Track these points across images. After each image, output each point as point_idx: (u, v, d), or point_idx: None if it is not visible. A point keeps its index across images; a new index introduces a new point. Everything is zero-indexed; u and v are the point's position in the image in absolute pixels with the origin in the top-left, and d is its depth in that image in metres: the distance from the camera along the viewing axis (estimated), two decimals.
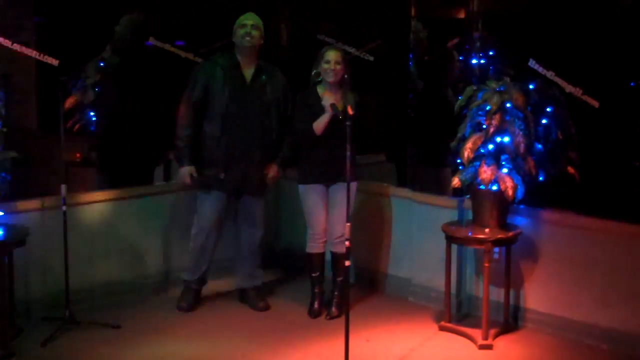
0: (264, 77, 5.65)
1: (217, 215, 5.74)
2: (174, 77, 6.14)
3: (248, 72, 5.63)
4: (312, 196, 5.65)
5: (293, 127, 5.64)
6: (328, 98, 5.48)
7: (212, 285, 6.06)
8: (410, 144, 6.11)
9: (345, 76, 5.54)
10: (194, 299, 5.84)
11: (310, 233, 5.71)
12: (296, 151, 5.72)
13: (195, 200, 5.83)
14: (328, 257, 5.79)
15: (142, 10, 6.27)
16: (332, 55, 5.52)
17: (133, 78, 6.22)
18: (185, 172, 5.64)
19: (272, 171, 5.76)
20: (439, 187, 5.99)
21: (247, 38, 5.55)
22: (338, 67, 5.50)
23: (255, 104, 5.60)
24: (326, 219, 5.68)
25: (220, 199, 5.71)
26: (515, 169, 5.19)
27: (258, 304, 5.83)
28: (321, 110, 5.47)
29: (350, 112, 5.03)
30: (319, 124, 5.48)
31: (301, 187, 5.69)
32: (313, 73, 5.60)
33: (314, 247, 5.71)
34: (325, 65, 5.51)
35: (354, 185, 5.61)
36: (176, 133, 5.64)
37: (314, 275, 5.73)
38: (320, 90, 5.58)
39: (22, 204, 5.54)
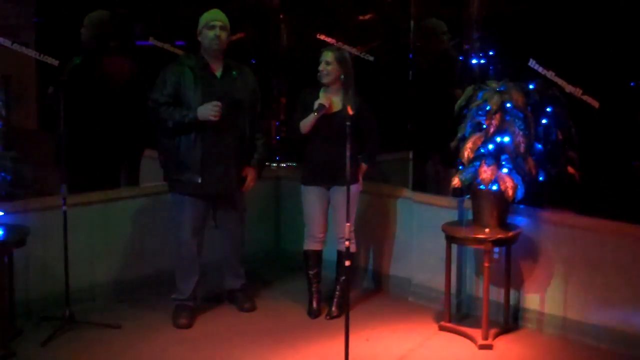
0: (234, 72, 5.51)
1: (197, 224, 5.51)
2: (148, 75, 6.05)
3: (217, 71, 5.47)
4: (310, 197, 5.66)
5: (290, 126, 5.66)
6: (321, 99, 5.48)
7: (210, 285, 6.05)
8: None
9: (342, 77, 5.50)
10: (191, 314, 5.56)
11: (307, 232, 5.72)
12: (299, 151, 5.71)
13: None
14: (327, 256, 5.79)
15: (106, 8, 6.14)
16: (324, 55, 5.50)
17: (98, 78, 6.08)
18: (205, 108, 5.24)
19: (250, 175, 5.59)
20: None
21: (216, 41, 5.36)
22: (329, 67, 5.47)
23: (227, 102, 5.38)
24: (324, 219, 5.69)
25: (198, 206, 5.50)
26: (515, 169, 5.19)
27: (244, 305, 5.80)
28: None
29: (350, 112, 5.03)
30: (305, 124, 5.48)
31: (302, 187, 5.70)
32: (317, 75, 5.58)
33: (310, 244, 5.72)
34: (319, 67, 5.51)
35: (357, 186, 5.62)
36: (158, 117, 5.34)
37: (311, 272, 5.73)
38: (322, 92, 5.58)
39: (22, 204, 5.54)
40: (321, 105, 5.40)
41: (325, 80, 5.50)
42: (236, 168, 5.52)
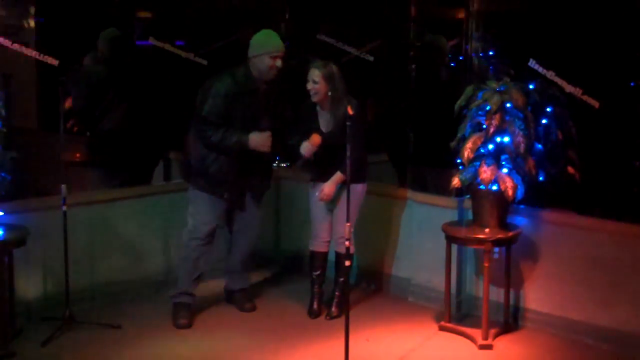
0: (271, 94, 5.54)
1: (213, 225, 5.58)
2: (173, 78, 6.14)
3: (260, 92, 5.49)
4: (316, 195, 5.65)
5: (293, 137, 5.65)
6: (305, 146, 5.47)
7: (210, 285, 6.05)
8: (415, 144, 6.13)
9: (329, 93, 5.44)
10: (190, 314, 5.57)
11: (313, 232, 5.72)
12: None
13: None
14: (332, 257, 5.79)
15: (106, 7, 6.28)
16: (311, 74, 5.44)
17: (117, 84, 6.21)
18: (256, 137, 5.37)
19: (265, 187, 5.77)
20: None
21: (275, 72, 5.41)
22: (317, 86, 5.42)
23: (266, 127, 5.47)
24: (330, 221, 5.68)
25: (217, 208, 5.57)
26: (515, 169, 5.19)
27: (245, 305, 5.80)
28: (317, 132, 5.51)
29: (350, 112, 5.02)
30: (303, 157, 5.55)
31: (311, 185, 5.70)
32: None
33: (315, 245, 5.71)
34: (307, 85, 5.47)
35: (363, 187, 5.62)
36: (205, 133, 5.40)
37: (314, 274, 5.73)
38: (317, 108, 5.55)
39: (22, 204, 5.54)
40: (302, 155, 5.47)
41: (315, 99, 5.48)
42: (260, 179, 5.67)
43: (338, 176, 5.49)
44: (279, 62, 5.41)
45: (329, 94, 5.43)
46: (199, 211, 5.56)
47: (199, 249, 5.56)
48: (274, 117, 5.56)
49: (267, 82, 5.49)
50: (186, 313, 5.55)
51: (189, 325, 5.51)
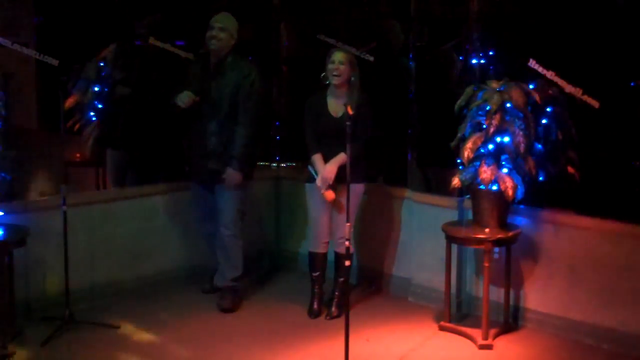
0: (219, 74, 5.67)
1: (198, 207, 5.94)
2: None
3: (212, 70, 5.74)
4: (315, 196, 5.64)
5: (303, 130, 5.63)
6: (326, 194, 5.50)
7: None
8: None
9: (352, 78, 5.50)
10: (209, 281, 6.08)
11: (313, 233, 5.72)
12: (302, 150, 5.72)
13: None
14: (331, 257, 5.79)
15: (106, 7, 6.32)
16: (336, 55, 5.49)
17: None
18: (182, 96, 5.62)
19: (228, 174, 5.63)
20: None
21: (213, 41, 5.64)
22: (342, 67, 5.46)
23: (212, 101, 5.64)
24: (329, 222, 5.67)
25: (196, 190, 5.89)
26: (515, 169, 5.19)
27: (218, 302, 5.82)
28: (326, 118, 5.52)
29: (350, 111, 5.02)
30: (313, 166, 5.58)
31: (307, 186, 5.69)
32: (322, 75, 5.56)
33: (315, 246, 5.71)
34: (330, 66, 5.48)
35: (361, 186, 5.61)
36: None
37: (314, 274, 5.73)
38: (328, 95, 5.56)
39: (22, 204, 5.54)
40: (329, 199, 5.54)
41: (336, 81, 5.48)
42: (214, 162, 5.66)
43: (341, 157, 5.43)
44: (214, 32, 5.62)
45: (352, 79, 5.46)
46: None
47: (202, 233, 6.02)
48: (216, 105, 5.62)
49: (215, 64, 5.67)
50: (206, 280, 6.12)
51: (202, 291, 6.09)
